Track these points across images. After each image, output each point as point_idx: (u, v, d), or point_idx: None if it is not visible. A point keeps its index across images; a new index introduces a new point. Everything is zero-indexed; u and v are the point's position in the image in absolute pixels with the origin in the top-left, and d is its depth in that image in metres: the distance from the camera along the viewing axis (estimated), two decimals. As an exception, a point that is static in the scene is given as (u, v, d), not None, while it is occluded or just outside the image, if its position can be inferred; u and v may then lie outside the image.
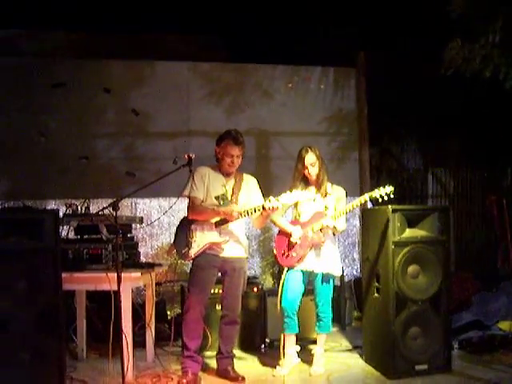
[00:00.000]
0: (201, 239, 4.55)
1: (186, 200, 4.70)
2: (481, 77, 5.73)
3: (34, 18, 6.73)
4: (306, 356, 5.08)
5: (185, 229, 4.60)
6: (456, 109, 7.60)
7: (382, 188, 4.54)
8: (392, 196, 4.51)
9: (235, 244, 4.64)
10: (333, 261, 4.81)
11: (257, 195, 4.73)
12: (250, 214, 4.46)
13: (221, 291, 4.84)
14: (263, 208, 4.37)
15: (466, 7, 5.62)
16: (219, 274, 4.71)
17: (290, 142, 6.88)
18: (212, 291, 4.92)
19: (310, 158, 4.77)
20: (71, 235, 5.04)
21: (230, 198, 4.60)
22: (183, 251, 4.58)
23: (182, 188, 4.60)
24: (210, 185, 4.61)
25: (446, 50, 5.82)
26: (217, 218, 4.53)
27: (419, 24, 6.68)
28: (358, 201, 4.59)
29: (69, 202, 5.09)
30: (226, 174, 4.66)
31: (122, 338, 4.14)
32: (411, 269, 4.75)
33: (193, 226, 4.57)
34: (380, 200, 4.54)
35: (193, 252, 4.55)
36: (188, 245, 4.55)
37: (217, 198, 4.59)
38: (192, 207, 4.60)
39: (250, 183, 4.77)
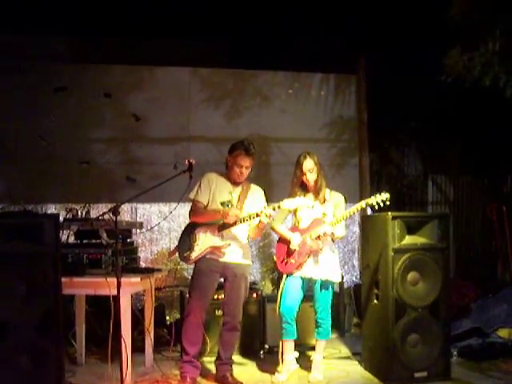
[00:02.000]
0: (203, 243, 4.58)
1: (188, 205, 4.72)
2: (481, 84, 5.75)
3: (35, 23, 6.75)
4: (304, 362, 5.06)
5: (189, 232, 4.66)
6: (456, 115, 7.61)
7: (378, 195, 4.54)
8: (388, 203, 4.51)
9: (237, 249, 4.65)
10: (331, 267, 4.80)
11: (262, 206, 4.70)
12: (245, 220, 4.49)
13: (222, 297, 4.85)
14: (257, 215, 4.39)
15: (466, 14, 5.63)
16: (221, 280, 4.72)
17: (291, 148, 6.87)
18: (213, 297, 4.93)
19: (308, 164, 4.78)
20: (71, 240, 5.05)
21: (235, 205, 4.62)
22: (185, 254, 4.63)
23: (188, 192, 4.65)
24: (216, 190, 4.64)
25: (445, 58, 5.83)
26: (220, 222, 4.54)
27: (419, 31, 6.70)
28: (354, 208, 4.59)
29: (69, 206, 5.10)
30: (234, 183, 4.69)
31: (120, 343, 4.14)
32: (411, 276, 4.75)
33: (196, 230, 4.61)
34: (376, 207, 4.54)
35: (194, 255, 4.58)
36: (190, 248, 4.59)
37: (222, 203, 4.62)
38: (193, 210, 4.67)
39: (256, 193, 4.80)
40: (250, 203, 4.69)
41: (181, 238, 4.74)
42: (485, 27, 5.62)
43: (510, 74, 5.67)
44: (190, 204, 4.72)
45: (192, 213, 4.67)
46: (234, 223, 4.51)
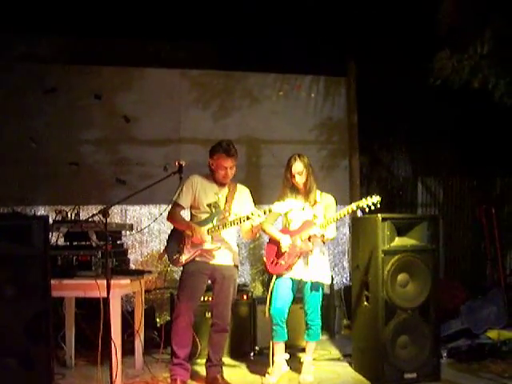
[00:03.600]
0: (192, 246, 4.56)
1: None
2: (469, 87, 5.78)
3: (24, 23, 6.71)
4: (295, 364, 5.07)
5: (177, 235, 4.64)
6: (446, 118, 7.65)
7: (369, 198, 4.54)
8: (379, 206, 4.51)
9: (226, 252, 4.65)
10: (321, 269, 4.80)
11: (249, 206, 4.72)
12: (235, 224, 4.49)
13: (210, 299, 4.84)
14: (247, 218, 4.39)
15: (455, 18, 5.66)
16: (209, 282, 4.71)
17: (281, 149, 6.86)
18: (202, 299, 4.92)
19: (297, 167, 4.78)
20: (61, 242, 5.01)
21: (223, 207, 4.63)
22: (174, 257, 4.62)
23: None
24: (201, 192, 4.64)
25: (434, 60, 5.86)
26: (209, 226, 4.54)
27: (409, 33, 6.73)
28: (345, 210, 4.59)
29: (58, 208, 5.08)
30: (220, 184, 4.69)
31: (110, 345, 4.12)
32: (400, 277, 4.76)
33: (185, 233, 4.59)
34: (367, 210, 4.55)
35: (184, 258, 4.57)
36: (179, 251, 4.58)
37: (209, 205, 4.62)
38: (171, 212, 4.69)
39: (243, 194, 4.80)
40: (238, 204, 4.70)
41: (168, 240, 4.74)
42: (473, 30, 5.65)
43: (499, 77, 5.71)
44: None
45: (169, 214, 4.70)
46: (224, 226, 4.52)
